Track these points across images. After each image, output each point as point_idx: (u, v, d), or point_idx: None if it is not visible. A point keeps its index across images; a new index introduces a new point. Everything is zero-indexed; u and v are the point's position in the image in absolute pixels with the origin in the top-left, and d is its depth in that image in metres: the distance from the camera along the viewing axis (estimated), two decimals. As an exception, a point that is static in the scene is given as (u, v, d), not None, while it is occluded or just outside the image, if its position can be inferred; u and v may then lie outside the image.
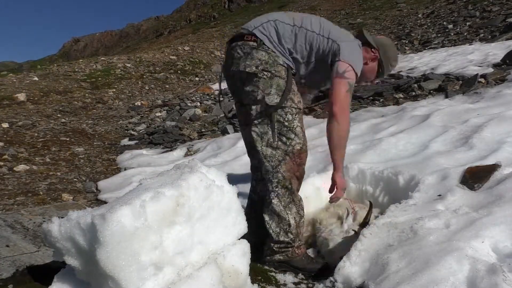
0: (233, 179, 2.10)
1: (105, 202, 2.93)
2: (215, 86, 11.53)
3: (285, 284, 1.90)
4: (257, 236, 2.06)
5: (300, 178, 2.06)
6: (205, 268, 1.40)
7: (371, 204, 2.25)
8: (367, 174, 2.70)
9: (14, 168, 4.15)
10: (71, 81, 12.80)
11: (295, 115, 1.96)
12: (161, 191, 1.33)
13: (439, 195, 2.16)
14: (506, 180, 2.12)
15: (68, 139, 5.88)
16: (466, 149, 2.76)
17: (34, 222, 2.18)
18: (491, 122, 3.17)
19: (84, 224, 1.26)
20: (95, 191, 3.66)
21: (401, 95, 5.48)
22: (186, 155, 4.75)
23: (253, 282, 1.68)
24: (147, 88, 13.69)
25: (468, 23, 12.21)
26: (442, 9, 16.65)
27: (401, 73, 7.25)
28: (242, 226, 1.62)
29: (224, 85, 2.22)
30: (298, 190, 2.08)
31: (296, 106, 1.96)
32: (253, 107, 1.96)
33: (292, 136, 1.96)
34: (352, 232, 2.13)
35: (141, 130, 6.70)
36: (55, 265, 1.56)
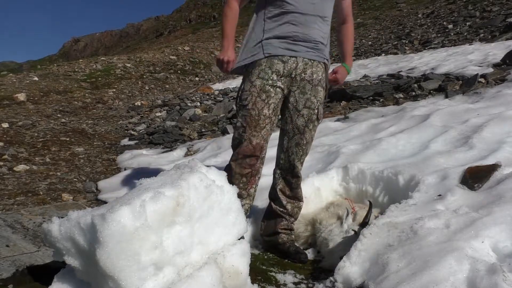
0: (233, 179, 2.10)
1: (105, 202, 2.93)
2: (215, 86, 11.53)
3: (285, 284, 1.90)
4: None
5: (241, 175, 2.10)
6: (205, 268, 1.40)
7: (370, 204, 2.25)
8: (367, 174, 2.69)
9: (14, 168, 4.15)
10: (71, 81, 12.80)
11: (239, 112, 2.14)
12: (161, 191, 1.33)
13: (439, 195, 2.16)
14: (506, 180, 2.12)
15: (68, 139, 5.87)
16: (466, 149, 2.76)
17: (34, 222, 2.18)
18: (491, 122, 3.17)
19: (84, 224, 1.26)
20: (95, 191, 3.65)
21: (401, 95, 5.48)
22: (186, 155, 4.74)
23: (253, 282, 1.68)
24: (147, 88, 13.70)
25: (468, 23, 12.21)
26: (442, 9, 16.65)
27: (401, 73, 7.26)
28: (242, 226, 1.62)
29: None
30: (243, 189, 2.11)
31: (240, 104, 2.13)
32: None
33: (234, 130, 2.17)
34: (352, 232, 2.13)
35: (141, 130, 6.69)
36: (55, 265, 1.56)
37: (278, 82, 2.07)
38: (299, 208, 2.34)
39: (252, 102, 2.06)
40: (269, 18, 2.08)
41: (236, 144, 2.14)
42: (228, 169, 2.10)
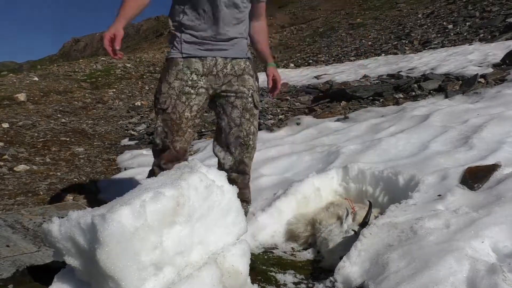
0: (233, 179, 2.10)
1: (105, 202, 2.92)
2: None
3: (285, 284, 1.90)
4: None
5: None
6: (205, 268, 1.40)
7: (370, 204, 2.25)
8: (367, 174, 2.69)
9: (14, 168, 4.15)
10: (71, 81, 12.79)
11: (157, 115, 1.99)
12: (161, 191, 1.33)
13: (439, 195, 2.16)
14: (506, 180, 2.12)
15: (68, 139, 5.87)
16: (466, 149, 2.76)
17: (34, 222, 2.18)
18: (491, 122, 3.17)
19: (84, 224, 1.26)
20: (95, 191, 3.66)
21: (401, 95, 5.48)
22: (186, 155, 4.74)
23: (253, 282, 1.68)
24: (147, 88, 13.68)
25: (468, 23, 12.20)
26: (442, 9, 16.63)
27: (401, 73, 7.26)
28: (242, 226, 1.62)
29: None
30: None
31: (159, 107, 1.97)
32: None
33: (154, 135, 2.02)
34: (352, 232, 2.13)
35: (141, 130, 6.69)
36: (55, 265, 1.56)
37: (199, 82, 1.96)
38: (246, 212, 2.17)
39: (172, 106, 1.93)
40: (185, 4, 1.94)
41: (158, 150, 2.01)
42: (151, 175, 1.97)
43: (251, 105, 2.04)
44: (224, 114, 2.04)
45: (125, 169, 4.27)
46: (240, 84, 2.02)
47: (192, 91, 1.95)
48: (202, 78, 1.96)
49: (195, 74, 1.95)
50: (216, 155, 2.15)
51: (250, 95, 2.04)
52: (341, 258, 1.81)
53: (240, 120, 2.02)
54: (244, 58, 2.07)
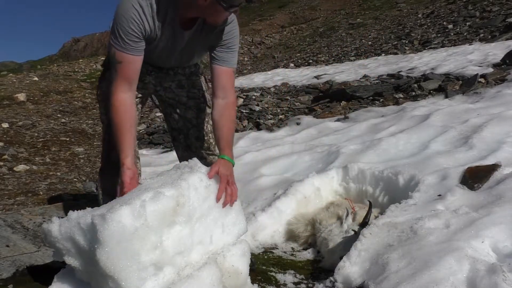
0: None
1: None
2: (215, 86, 11.47)
3: (285, 284, 1.91)
4: None
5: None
6: (205, 268, 1.40)
7: (370, 204, 2.25)
8: (367, 174, 2.69)
9: (14, 168, 4.15)
10: (71, 81, 12.79)
11: (100, 104, 1.99)
12: (161, 191, 1.33)
13: (439, 195, 2.17)
14: (506, 180, 2.13)
15: (68, 139, 5.87)
16: (466, 149, 2.76)
17: (34, 222, 2.18)
18: (491, 122, 3.17)
19: (84, 224, 1.26)
20: (95, 191, 3.65)
21: (401, 95, 5.48)
22: (186, 155, 4.75)
23: (253, 282, 1.68)
24: (147, 88, 13.68)
25: (468, 23, 12.20)
26: (442, 9, 16.63)
27: (401, 73, 7.26)
28: (242, 226, 1.62)
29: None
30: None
31: (99, 92, 1.95)
32: None
33: (102, 130, 2.01)
34: (352, 232, 2.13)
35: (141, 130, 6.69)
36: (55, 265, 1.56)
37: (148, 76, 1.90)
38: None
39: None
40: None
41: (105, 143, 1.93)
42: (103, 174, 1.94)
43: (204, 105, 2.01)
44: (178, 115, 2.01)
45: (125, 169, 4.27)
46: (190, 86, 2.00)
47: (139, 83, 1.80)
48: (152, 73, 1.93)
49: (145, 67, 1.79)
50: (179, 157, 2.11)
51: (201, 95, 2.02)
52: (341, 258, 1.81)
53: (196, 120, 2.00)
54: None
